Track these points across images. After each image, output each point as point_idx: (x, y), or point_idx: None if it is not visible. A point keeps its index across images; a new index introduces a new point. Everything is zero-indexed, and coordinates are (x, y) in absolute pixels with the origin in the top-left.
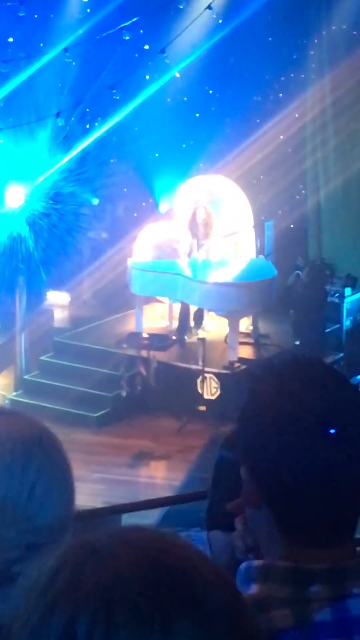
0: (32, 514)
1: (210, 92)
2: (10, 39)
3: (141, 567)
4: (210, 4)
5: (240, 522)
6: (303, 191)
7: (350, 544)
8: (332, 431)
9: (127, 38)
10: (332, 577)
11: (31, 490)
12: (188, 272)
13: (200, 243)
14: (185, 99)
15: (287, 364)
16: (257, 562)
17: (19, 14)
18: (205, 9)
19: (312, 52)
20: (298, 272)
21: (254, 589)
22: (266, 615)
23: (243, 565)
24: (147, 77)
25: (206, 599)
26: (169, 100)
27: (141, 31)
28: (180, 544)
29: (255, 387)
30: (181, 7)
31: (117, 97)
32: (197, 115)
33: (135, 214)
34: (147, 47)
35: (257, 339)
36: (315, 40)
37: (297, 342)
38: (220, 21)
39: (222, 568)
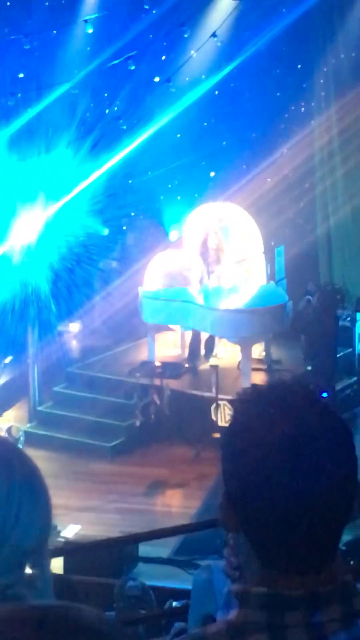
0: (20, 537)
1: (219, 120)
2: (21, 75)
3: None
4: (215, 32)
5: (230, 541)
6: (314, 218)
7: (328, 569)
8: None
9: (133, 68)
10: (307, 603)
11: (17, 514)
12: (199, 300)
13: (210, 270)
14: (194, 127)
15: (268, 389)
16: (235, 587)
17: (25, 47)
18: (210, 36)
19: (321, 81)
20: (309, 297)
21: (232, 614)
22: None
23: (225, 590)
24: (155, 107)
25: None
26: (178, 135)
27: (147, 61)
28: (56, 605)
29: (235, 411)
30: (186, 35)
31: (125, 127)
32: (206, 144)
33: (145, 243)
34: (156, 79)
35: (269, 365)
36: (325, 69)
37: (309, 368)
38: (228, 51)
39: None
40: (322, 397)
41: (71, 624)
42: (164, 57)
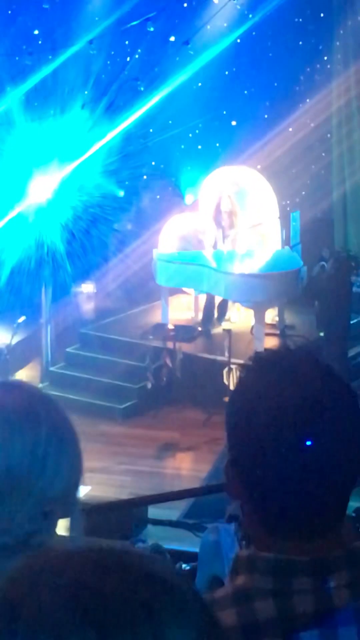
0: (46, 485)
1: (235, 83)
2: (36, 32)
3: (95, 573)
4: None
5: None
6: (329, 182)
7: (335, 535)
8: (308, 443)
9: (152, 29)
10: (315, 570)
11: (43, 461)
12: (213, 264)
13: (225, 234)
14: (210, 90)
15: (271, 355)
16: (242, 552)
17: (44, 5)
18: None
19: (337, 43)
20: (323, 263)
21: (239, 579)
22: (250, 605)
23: (233, 555)
24: (173, 68)
25: (183, 591)
26: (197, 85)
27: (165, 23)
28: (115, 546)
29: (240, 377)
30: None
31: (142, 89)
32: (222, 107)
33: (160, 206)
34: (172, 38)
35: (283, 330)
36: (341, 31)
37: (322, 334)
38: (245, 12)
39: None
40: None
41: (135, 569)
42: (181, 20)
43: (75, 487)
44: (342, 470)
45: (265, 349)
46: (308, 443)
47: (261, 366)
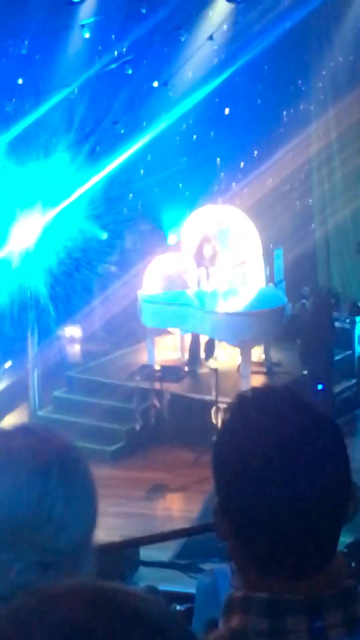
0: (50, 535)
1: (218, 122)
2: (20, 81)
3: (87, 613)
4: (212, 35)
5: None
6: (312, 221)
7: (326, 572)
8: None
9: (130, 72)
10: (310, 609)
11: (49, 511)
12: (198, 303)
13: (208, 273)
14: (192, 129)
15: (254, 395)
16: (237, 593)
17: (22, 51)
18: (207, 39)
19: (320, 84)
20: (304, 301)
21: (234, 620)
22: None
23: (225, 596)
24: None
25: (173, 632)
26: (179, 127)
27: (144, 65)
28: (108, 585)
29: (224, 419)
30: (183, 39)
31: (122, 131)
32: (204, 148)
33: (143, 247)
34: (155, 84)
35: (269, 368)
36: (323, 72)
37: (305, 372)
38: (226, 54)
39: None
40: (311, 400)
41: (125, 608)
42: (159, 62)
43: (85, 542)
44: (331, 508)
45: (249, 389)
46: (292, 483)
47: (244, 407)
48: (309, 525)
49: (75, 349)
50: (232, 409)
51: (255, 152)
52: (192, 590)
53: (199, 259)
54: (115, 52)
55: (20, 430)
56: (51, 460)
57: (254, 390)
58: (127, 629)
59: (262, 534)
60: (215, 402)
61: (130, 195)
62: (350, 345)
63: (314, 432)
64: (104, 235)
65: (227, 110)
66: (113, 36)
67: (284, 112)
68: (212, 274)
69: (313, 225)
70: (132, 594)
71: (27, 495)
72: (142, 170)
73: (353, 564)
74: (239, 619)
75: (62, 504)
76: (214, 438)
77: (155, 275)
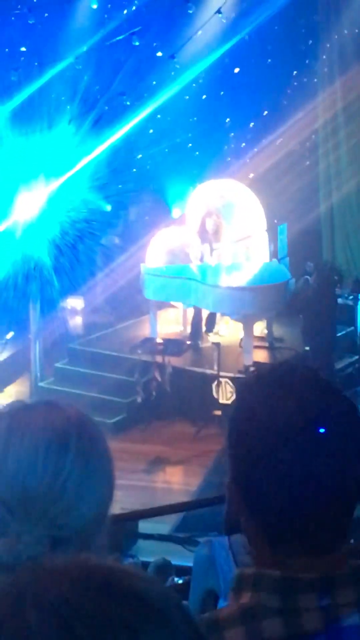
0: (63, 509)
1: (223, 96)
2: (23, 49)
3: (80, 592)
4: (220, 8)
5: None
6: (317, 195)
7: (340, 552)
8: (321, 430)
9: (137, 44)
10: (322, 587)
11: (63, 485)
12: (201, 277)
13: (212, 248)
14: (198, 103)
15: (270, 370)
16: (247, 570)
17: (29, 21)
18: (215, 13)
19: (324, 57)
20: (307, 277)
21: (245, 597)
22: (257, 624)
23: (235, 573)
24: (155, 82)
25: (168, 611)
26: (184, 99)
27: (151, 37)
28: (103, 563)
29: (239, 395)
30: (191, 12)
31: (128, 103)
32: (209, 121)
33: (147, 220)
34: (159, 54)
35: (271, 343)
36: (328, 45)
37: (307, 348)
38: (232, 26)
39: (163, 584)
40: (324, 374)
41: (120, 587)
42: (167, 34)
43: (98, 520)
44: (346, 484)
45: (266, 364)
46: (321, 430)
47: (262, 381)
48: (323, 503)
49: (77, 321)
50: (250, 383)
51: (260, 126)
52: (191, 564)
53: (203, 234)
54: (123, 24)
55: (43, 403)
56: (70, 436)
57: (272, 364)
58: (121, 607)
59: (276, 511)
60: (217, 376)
61: (134, 168)
62: (352, 321)
63: (330, 409)
64: (108, 207)
65: (232, 82)
66: (121, 8)
67: (289, 86)
68: (215, 249)
69: (318, 200)
70: (129, 572)
71: (43, 467)
72: (146, 142)
73: (352, 541)
74: (250, 596)
75: (77, 480)
76: (229, 413)
77: (158, 249)
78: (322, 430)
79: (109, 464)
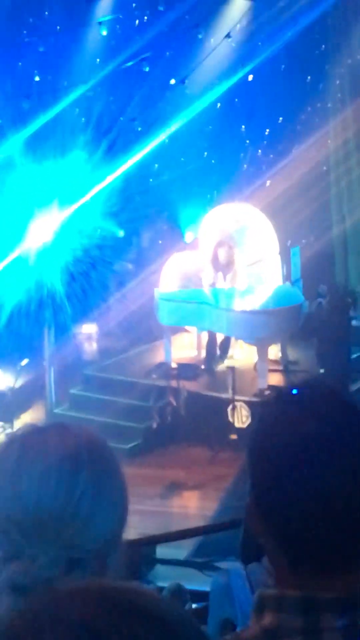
0: (76, 531)
1: (235, 121)
2: (37, 78)
3: (98, 614)
4: (229, 32)
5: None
6: (329, 219)
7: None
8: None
9: (147, 69)
10: (344, 606)
11: (76, 506)
12: (214, 301)
13: (225, 272)
14: (210, 128)
15: (290, 390)
16: (269, 592)
17: (39, 49)
18: (225, 37)
19: (337, 82)
20: (320, 300)
21: (267, 618)
22: None
23: (257, 593)
24: (166, 107)
25: (187, 636)
26: (197, 125)
27: (161, 63)
28: (123, 585)
29: (261, 414)
30: (200, 37)
31: (140, 129)
32: (222, 146)
33: (160, 244)
34: (172, 81)
35: (286, 366)
36: (341, 70)
37: (322, 370)
38: (244, 52)
39: (181, 607)
40: (345, 394)
41: (139, 610)
42: (176, 60)
43: (113, 540)
44: None
45: (287, 384)
46: (330, 478)
47: (282, 401)
48: (343, 522)
49: (91, 347)
50: (270, 403)
51: (273, 150)
52: (208, 589)
53: (215, 263)
54: (132, 50)
55: (54, 425)
56: (82, 457)
57: (291, 384)
58: (139, 630)
59: (297, 531)
60: (232, 400)
61: (147, 194)
62: None
63: (349, 425)
64: (121, 233)
65: (244, 106)
66: (131, 34)
67: (301, 110)
68: (229, 272)
69: (330, 224)
70: (146, 594)
71: (56, 488)
72: (159, 168)
73: None
74: (272, 617)
75: (90, 500)
76: (252, 432)
77: (172, 273)
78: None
79: (122, 484)
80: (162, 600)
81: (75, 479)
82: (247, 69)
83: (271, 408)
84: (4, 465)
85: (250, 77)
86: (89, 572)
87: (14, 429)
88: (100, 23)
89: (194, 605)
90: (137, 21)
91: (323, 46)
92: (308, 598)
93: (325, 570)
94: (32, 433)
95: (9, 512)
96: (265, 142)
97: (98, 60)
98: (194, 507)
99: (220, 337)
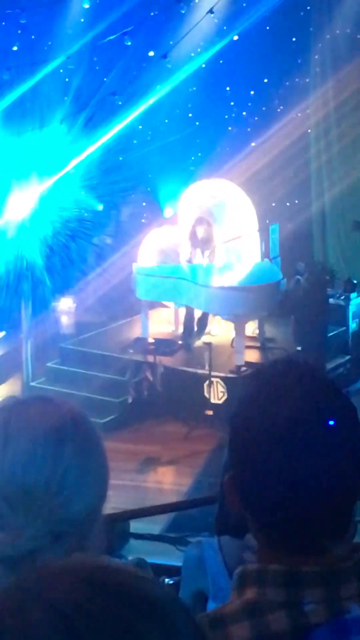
0: (61, 503)
1: (215, 95)
2: (15, 48)
3: (83, 593)
4: (212, 8)
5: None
6: (308, 195)
7: (342, 545)
8: (330, 423)
9: (129, 44)
10: (326, 580)
11: (62, 479)
12: (192, 277)
13: (203, 248)
14: (189, 102)
15: (269, 368)
16: (251, 566)
17: (21, 21)
18: (207, 13)
19: (316, 57)
20: (298, 277)
21: (248, 592)
22: (262, 618)
23: (238, 569)
24: (147, 82)
25: (172, 612)
26: (176, 99)
27: (143, 37)
28: (108, 564)
29: (241, 393)
30: (183, 12)
31: (120, 103)
32: (201, 120)
33: (139, 219)
34: (151, 53)
35: (263, 343)
36: (320, 45)
37: (299, 348)
38: (224, 27)
39: (161, 583)
40: (322, 371)
41: (124, 588)
42: (158, 34)
43: (95, 513)
44: (346, 481)
45: (270, 361)
46: (331, 423)
47: (262, 378)
48: (323, 502)
49: (69, 321)
50: (252, 382)
51: (252, 126)
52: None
53: (194, 240)
54: (114, 23)
55: (37, 398)
56: (67, 430)
57: (274, 363)
58: (124, 608)
59: (275, 509)
60: (209, 376)
61: (126, 168)
62: (344, 321)
63: (328, 404)
64: (100, 207)
65: (224, 81)
66: (112, 7)
67: (281, 85)
68: (207, 249)
69: (309, 200)
70: (131, 573)
71: (41, 461)
72: (138, 142)
73: None
74: (254, 592)
75: (75, 472)
76: (234, 409)
77: (150, 248)
78: (331, 423)
79: (104, 458)
80: (147, 579)
81: (61, 452)
82: (226, 41)
83: (253, 386)
84: None
85: (230, 48)
86: (70, 545)
87: None
88: None
89: (167, 580)
90: None
91: (302, 21)
92: (291, 572)
93: (305, 548)
94: (15, 406)
95: None
96: (245, 118)
97: (79, 33)
98: (169, 482)
99: (198, 313)
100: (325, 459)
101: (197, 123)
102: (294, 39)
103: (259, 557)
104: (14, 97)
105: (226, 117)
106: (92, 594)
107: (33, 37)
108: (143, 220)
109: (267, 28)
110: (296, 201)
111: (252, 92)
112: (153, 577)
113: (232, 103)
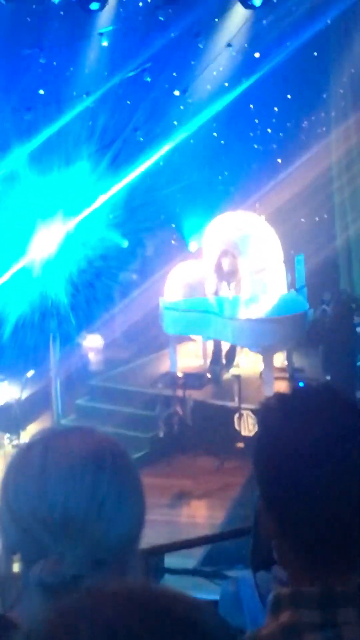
0: (100, 531)
1: (238, 130)
2: (42, 92)
3: (134, 615)
4: (230, 41)
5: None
6: (333, 227)
7: None
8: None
9: (149, 80)
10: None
11: (100, 507)
12: (219, 310)
13: (229, 281)
14: (214, 135)
15: (292, 395)
16: (285, 590)
17: (40, 60)
18: (225, 46)
19: (340, 91)
20: (324, 306)
21: (283, 616)
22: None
23: (271, 595)
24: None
25: (218, 637)
26: (200, 135)
27: (163, 73)
28: (159, 588)
29: (263, 421)
30: (201, 46)
31: (141, 139)
32: (226, 155)
33: (164, 254)
34: (177, 93)
35: (292, 374)
36: (343, 79)
37: (328, 377)
38: (246, 62)
39: (213, 608)
40: (348, 397)
41: (176, 614)
42: (178, 69)
43: (133, 542)
44: None
45: (288, 389)
46: (338, 478)
47: (285, 405)
48: (352, 520)
49: (97, 357)
50: (272, 409)
51: (276, 159)
52: (217, 598)
53: (219, 272)
54: (134, 60)
55: (74, 428)
56: (105, 459)
57: (294, 389)
58: (175, 633)
59: (310, 530)
60: (238, 409)
61: (151, 205)
62: None
63: (352, 426)
64: (125, 243)
65: (246, 116)
66: (131, 45)
67: (305, 119)
68: (233, 281)
69: (334, 232)
70: (184, 599)
71: (81, 487)
72: (163, 178)
73: None
74: (289, 614)
75: (113, 500)
76: (253, 439)
77: (176, 283)
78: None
79: (141, 487)
80: (199, 606)
81: (100, 479)
82: (251, 78)
83: (274, 412)
84: (28, 465)
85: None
86: (111, 573)
87: (21, 441)
88: (101, 34)
89: None
90: (137, 32)
91: (325, 55)
92: (325, 593)
93: (338, 567)
94: (55, 435)
95: (34, 511)
96: (269, 151)
97: (99, 71)
98: (201, 516)
99: (225, 346)
100: (353, 478)
101: (225, 154)
102: (317, 73)
103: (293, 580)
104: (39, 138)
105: (244, 153)
106: (143, 617)
107: (54, 76)
108: (165, 252)
109: (290, 62)
110: (321, 232)
111: (276, 129)
112: (204, 603)
113: (252, 133)
